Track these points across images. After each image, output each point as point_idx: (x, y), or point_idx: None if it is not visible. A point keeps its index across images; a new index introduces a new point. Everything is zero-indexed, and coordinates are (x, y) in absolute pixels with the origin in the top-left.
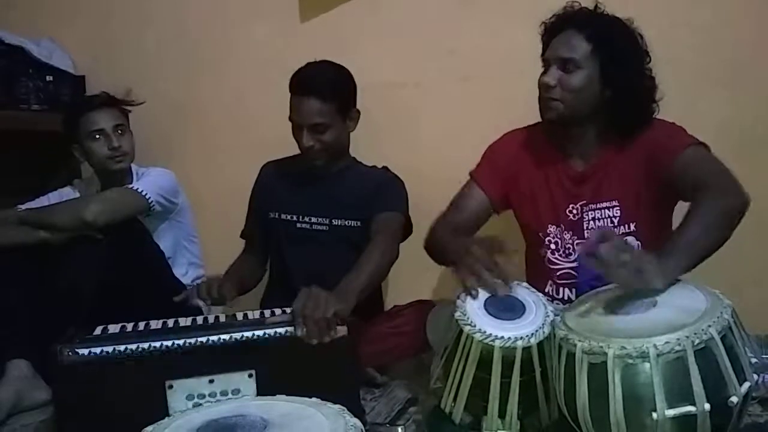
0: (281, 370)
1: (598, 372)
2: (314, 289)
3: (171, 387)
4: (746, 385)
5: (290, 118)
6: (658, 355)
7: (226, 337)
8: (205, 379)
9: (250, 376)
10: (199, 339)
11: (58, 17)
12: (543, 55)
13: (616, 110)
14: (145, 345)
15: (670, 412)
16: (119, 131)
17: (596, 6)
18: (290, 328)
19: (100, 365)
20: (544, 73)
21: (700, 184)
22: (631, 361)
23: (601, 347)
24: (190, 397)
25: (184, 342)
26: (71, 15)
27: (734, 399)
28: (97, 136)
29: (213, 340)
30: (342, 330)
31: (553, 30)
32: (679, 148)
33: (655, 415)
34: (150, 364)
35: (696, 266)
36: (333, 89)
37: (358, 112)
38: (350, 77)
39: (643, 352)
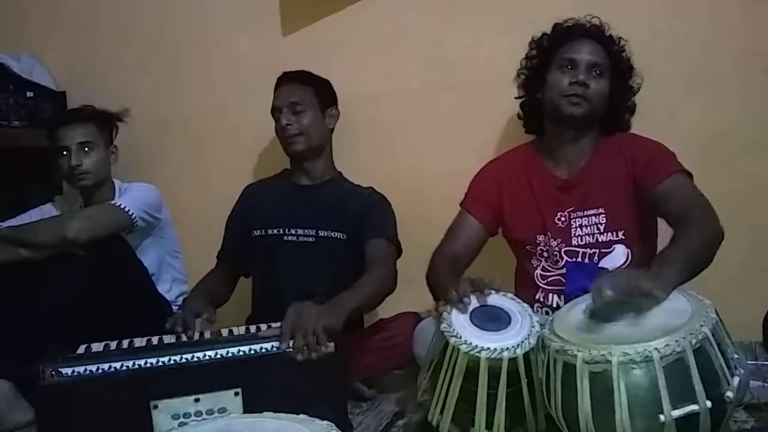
0: (268, 388)
1: (600, 380)
2: (305, 304)
3: (156, 407)
4: (736, 379)
5: (272, 110)
6: (661, 358)
7: (211, 354)
8: (191, 398)
9: (237, 394)
10: (184, 357)
11: (38, 33)
12: (559, 53)
13: (606, 121)
14: (129, 364)
15: (676, 413)
16: (85, 149)
17: (602, 24)
18: (276, 345)
19: (83, 386)
20: (567, 73)
21: (684, 214)
22: (634, 366)
23: (603, 355)
24: (175, 417)
25: (169, 361)
26: (52, 31)
27: (730, 393)
28: (64, 153)
29: (198, 358)
30: (329, 347)
31: (572, 33)
32: (665, 174)
33: (662, 417)
34: (133, 385)
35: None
36: (310, 76)
37: (338, 111)
38: (329, 82)
39: (646, 357)
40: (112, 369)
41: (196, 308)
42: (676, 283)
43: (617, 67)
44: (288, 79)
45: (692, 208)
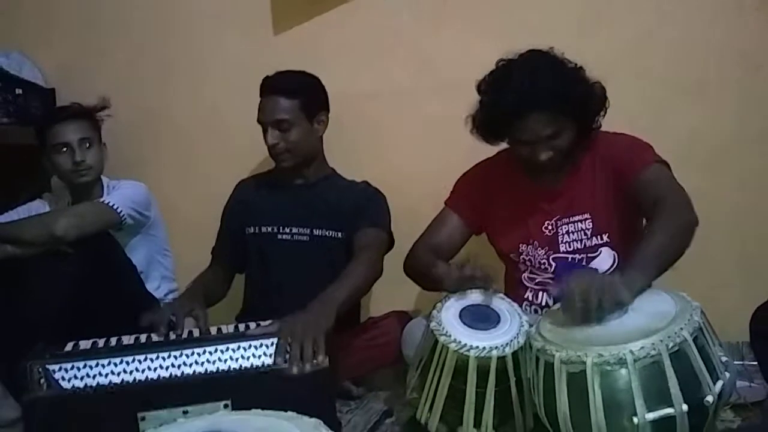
0: (258, 401)
1: (577, 380)
2: (298, 317)
3: (143, 419)
4: (719, 383)
5: (258, 120)
6: (635, 361)
7: (200, 368)
8: (179, 410)
9: (226, 406)
10: (173, 372)
11: (27, 30)
12: (511, 131)
13: (581, 128)
14: (117, 378)
15: (650, 416)
16: (86, 145)
17: (532, 66)
18: (267, 357)
19: (71, 398)
20: (527, 147)
21: (659, 202)
22: (609, 367)
23: (579, 356)
24: None
25: (158, 375)
26: (41, 28)
27: (710, 398)
28: (63, 149)
29: (188, 372)
30: (324, 361)
31: (514, 114)
32: (641, 166)
33: (635, 419)
34: (122, 396)
35: (658, 277)
36: (296, 87)
37: (327, 117)
38: (317, 81)
39: (620, 359)
40: (99, 381)
41: (185, 306)
42: (645, 284)
43: (574, 108)
44: (272, 91)
45: (665, 198)
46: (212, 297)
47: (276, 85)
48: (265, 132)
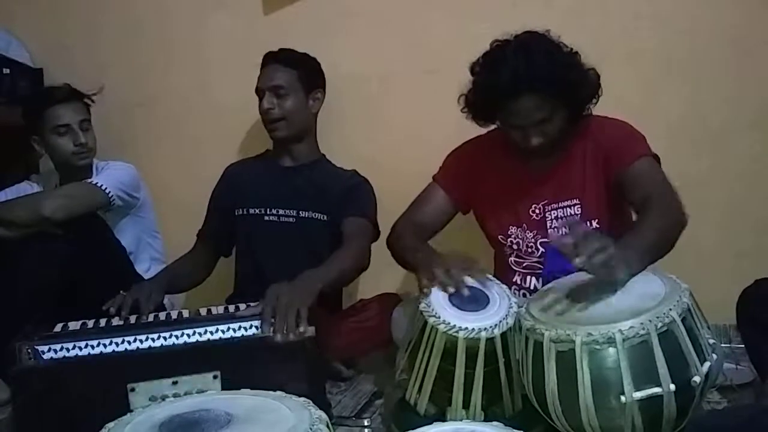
0: (247, 371)
1: (566, 359)
2: (282, 286)
3: (133, 390)
4: (707, 364)
5: (255, 89)
6: (623, 340)
7: (189, 339)
8: (168, 380)
9: (215, 377)
10: (162, 341)
11: (13, 8)
12: (502, 114)
13: (572, 114)
14: (106, 349)
15: (638, 395)
16: (84, 127)
17: (528, 48)
18: (255, 329)
19: (60, 369)
20: (518, 131)
21: (650, 197)
22: (598, 347)
23: (568, 335)
24: (152, 399)
25: (146, 344)
26: (28, 6)
27: (697, 379)
28: (63, 131)
29: (176, 342)
30: (309, 330)
31: (507, 95)
32: (632, 158)
33: (623, 398)
34: (111, 367)
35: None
36: (296, 59)
37: (323, 94)
38: (317, 61)
39: (609, 338)
40: (89, 351)
41: (145, 291)
42: (642, 263)
43: (567, 93)
44: (273, 60)
45: (656, 194)
46: (186, 282)
47: (277, 56)
48: (261, 99)
